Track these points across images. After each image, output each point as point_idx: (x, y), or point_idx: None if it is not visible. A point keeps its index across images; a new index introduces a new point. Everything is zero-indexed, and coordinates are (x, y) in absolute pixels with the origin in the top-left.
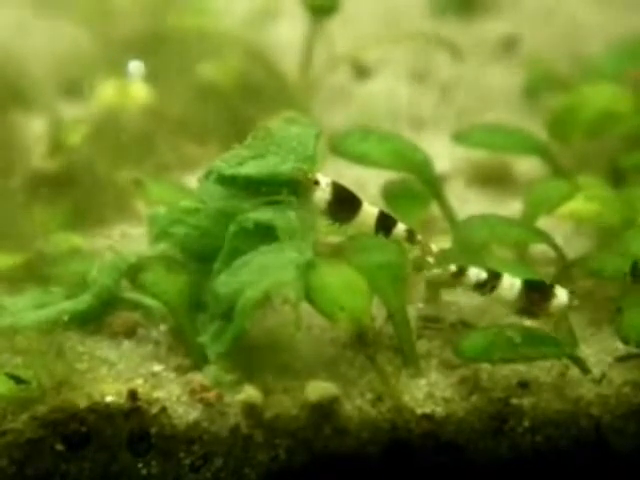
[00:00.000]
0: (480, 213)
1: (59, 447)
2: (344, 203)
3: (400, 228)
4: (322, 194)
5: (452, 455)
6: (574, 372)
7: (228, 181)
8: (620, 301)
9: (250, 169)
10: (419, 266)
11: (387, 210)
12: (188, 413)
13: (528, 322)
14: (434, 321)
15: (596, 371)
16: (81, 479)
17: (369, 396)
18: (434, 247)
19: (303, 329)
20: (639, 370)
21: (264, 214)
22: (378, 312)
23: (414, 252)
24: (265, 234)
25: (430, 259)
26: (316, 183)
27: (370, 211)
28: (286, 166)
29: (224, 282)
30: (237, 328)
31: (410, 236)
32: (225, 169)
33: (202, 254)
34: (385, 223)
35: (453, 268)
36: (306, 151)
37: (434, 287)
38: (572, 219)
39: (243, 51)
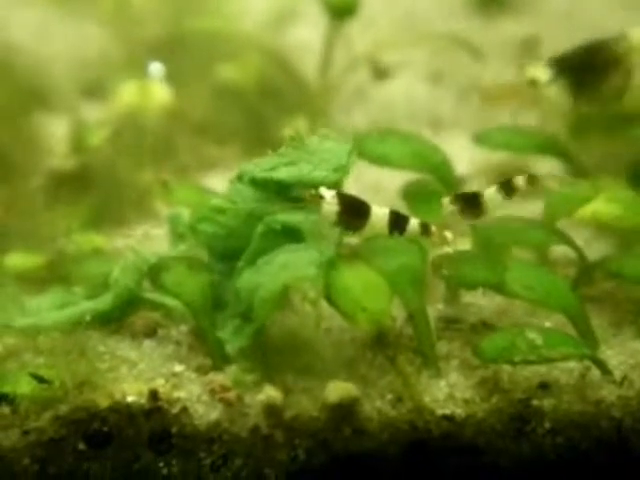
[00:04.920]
0: (500, 215)
1: (81, 446)
2: (353, 211)
3: (413, 223)
4: (330, 207)
5: (472, 456)
6: (595, 374)
7: (260, 184)
8: None
9: (282, 174)
10: (438, 266)
11: (396, 209)
12: (208, 413)
13: (548, 323)
14: (454, 322)
15: (617, 373)
16: (103, 478)
17: (389, 397)
18: (449, 235)
19: (323, 330)
20: None
21: (291, 216)
22: (398, 313)
23: (432, 249)
24: (291, 236)
25: (447, 248)
26: (321, 197)
27: (381, 213)
28: (317, 173)
29: (246, 280)
30: (257, 321)
31: (424, 229)
32: (258, 172)
33: (227, 253)
34: (398, 222)
35: None
36: (339, 161)
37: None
38: (593, 221)
39: (262, 53)
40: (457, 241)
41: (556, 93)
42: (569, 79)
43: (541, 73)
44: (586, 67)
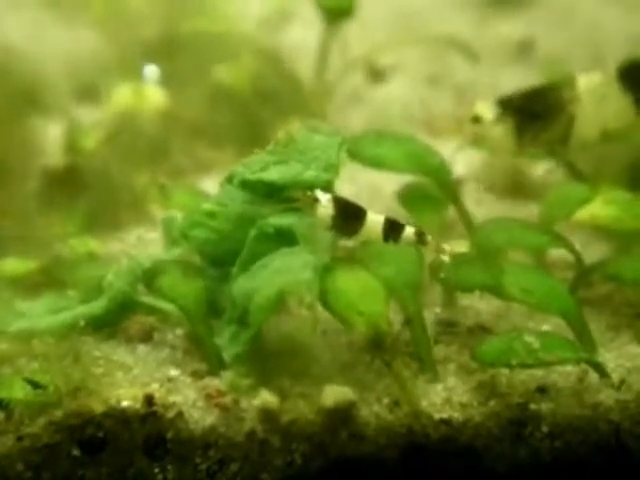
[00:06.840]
0: (497, 217)
1: (75, 452)
2: (348, 216)
3: (409, 231)
4: (325, 210)
5: (470, 460)
6: (593, 377)
7: (251, 186)
8: None
9: (273, 175)
10: (435, 270)
11: (392, 216)
12: (204, 418)
13: (546, 326)
14: (451, 325)
15: (615, 376)
16: None
17: (386, 401)
18: (447, 246)
19: (319, 334)
20: None
21: (284, 219)
22: (395, 317)
23: (429, 255)
24: (285, 239)
25: (445, 258)
26: (316, 201)
27: (376, 219)
28: (309, 174)
29: (241, 285)
30: (253, 327)
31: (420, 238)
32: (248, 174)
33: (220, 258)
34: (393, 229)
35: None
36: (329, 160)
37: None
38: (591, 223)
39: (258, 55)
40: (453, 248)
41: (500, 133)
42: (514, 121)
43: (487, 112)
44: (531, 110)
